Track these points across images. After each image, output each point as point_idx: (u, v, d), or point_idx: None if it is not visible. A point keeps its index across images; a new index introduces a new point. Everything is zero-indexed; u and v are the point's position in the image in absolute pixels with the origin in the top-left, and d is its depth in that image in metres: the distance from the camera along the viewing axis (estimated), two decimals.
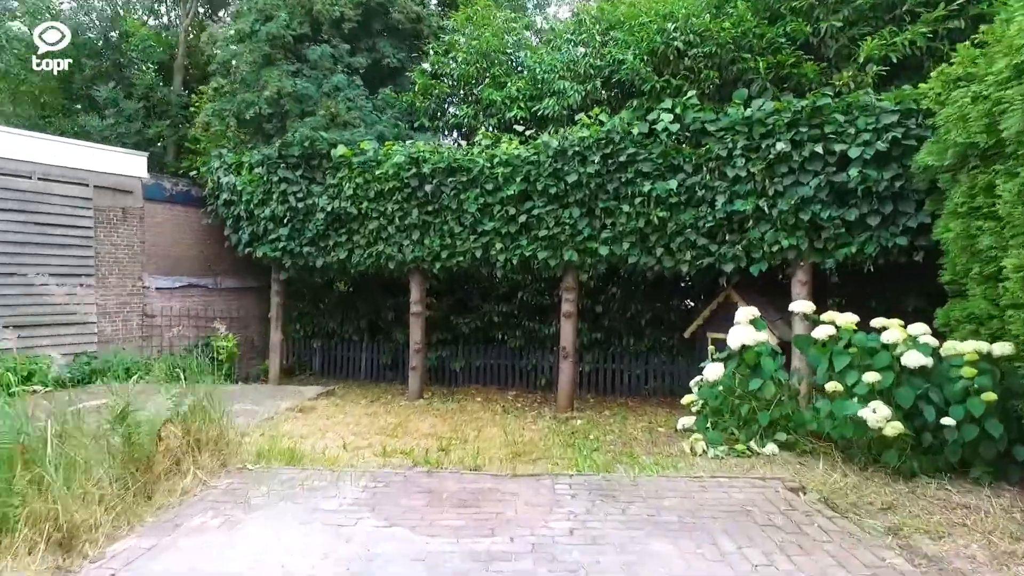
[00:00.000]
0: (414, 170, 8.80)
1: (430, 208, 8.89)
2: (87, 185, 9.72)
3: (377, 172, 9.03)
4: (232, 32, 10.66)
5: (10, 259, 8.78)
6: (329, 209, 9.46)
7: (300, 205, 9.72)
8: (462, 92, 11.10)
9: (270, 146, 9.94)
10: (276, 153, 9.81)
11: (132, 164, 10.37)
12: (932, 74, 6.14)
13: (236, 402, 8.05)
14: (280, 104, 10.37)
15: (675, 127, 7.64)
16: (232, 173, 10.31)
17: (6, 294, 8.70)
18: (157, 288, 10.89)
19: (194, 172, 11.01)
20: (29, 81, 13.79)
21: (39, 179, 9.18)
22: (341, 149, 9.30)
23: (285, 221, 9.89)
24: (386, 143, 9.17)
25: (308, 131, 9.62)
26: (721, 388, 6.36)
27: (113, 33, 14.12)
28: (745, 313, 6.58)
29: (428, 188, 8.77)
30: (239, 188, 10.13)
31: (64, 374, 8.94)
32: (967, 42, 5.82)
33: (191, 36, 14.57)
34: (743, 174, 7.30)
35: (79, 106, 14.15)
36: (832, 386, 5.40)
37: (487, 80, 10.54)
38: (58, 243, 9.32)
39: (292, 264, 10.13)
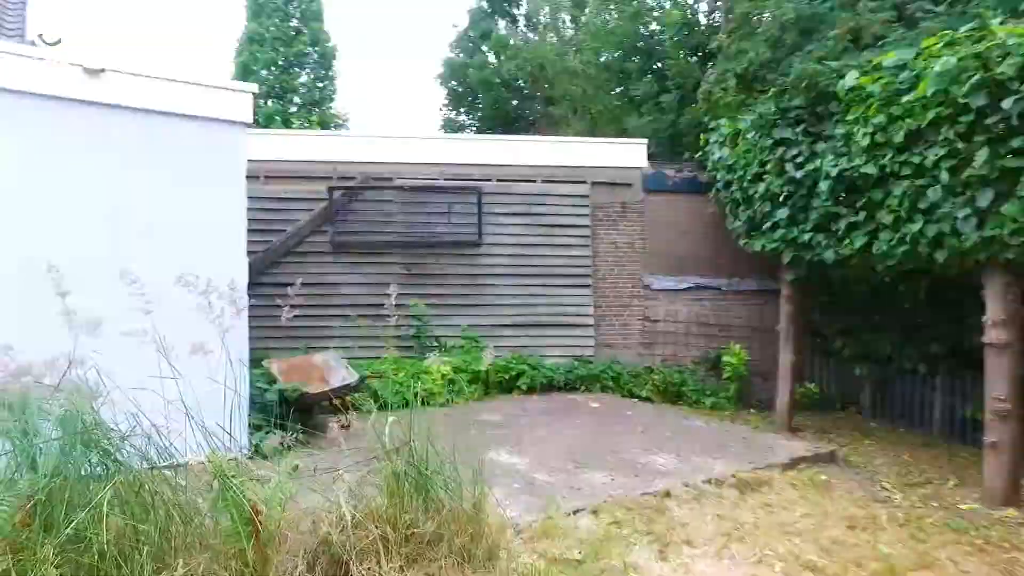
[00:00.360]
0: (978, 76, 4.71)
1: (1015, 145, 4.61)
2: (584, 182, 9.30)
3: (904, 100, 5.29)
4: None
5: (514, 260, 9.06)
6: (835, 174, 6.21)
7: (800, 174, 6.80)
8: None
9: (765, 101, 7.33)
10: (771, 108, 7.16)
11: (630, 154, 9.47)
12: None
13: (655, 451, 5.87)
14: (782, 41, 7.56)
15: None
16: (727, 146, 8.17)
17: (510, 294, 9.05)
18: (660, 290, 9.70)
19: (699, 154, 9.30)
20: (599, 100, 14.89)
21: (543, 181, 9.26)
22: (851, 77, 5.90)
23: (783, 199, 7.12)
24: (925, 41, 5.26)
25: (812, 64, 6.58)
26: None
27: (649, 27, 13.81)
28: None
29: (1009, 106, 4.55)
30: (731, 163, 7.92)
31: (557, 377, 8.76)
32: None
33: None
34: None
35: (637, 109, 14.45)
36: None
37: None
38: (557, 243, 9.19)
39: (795, 258, 7.25)
